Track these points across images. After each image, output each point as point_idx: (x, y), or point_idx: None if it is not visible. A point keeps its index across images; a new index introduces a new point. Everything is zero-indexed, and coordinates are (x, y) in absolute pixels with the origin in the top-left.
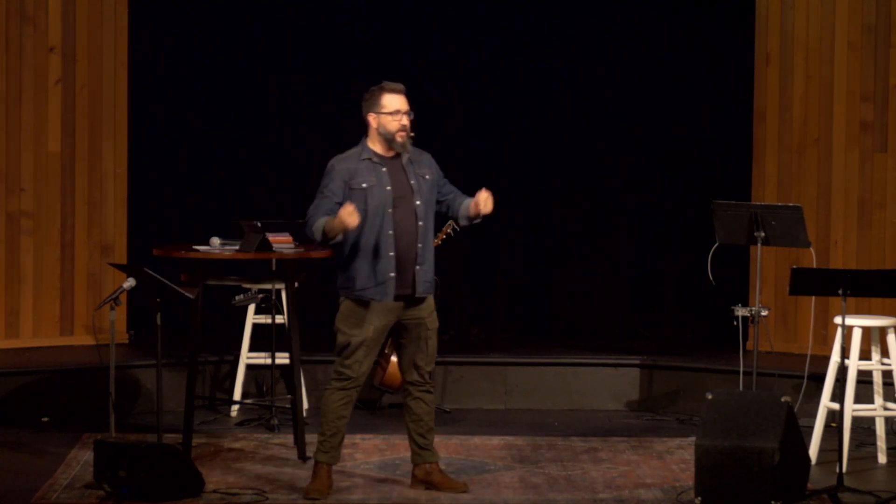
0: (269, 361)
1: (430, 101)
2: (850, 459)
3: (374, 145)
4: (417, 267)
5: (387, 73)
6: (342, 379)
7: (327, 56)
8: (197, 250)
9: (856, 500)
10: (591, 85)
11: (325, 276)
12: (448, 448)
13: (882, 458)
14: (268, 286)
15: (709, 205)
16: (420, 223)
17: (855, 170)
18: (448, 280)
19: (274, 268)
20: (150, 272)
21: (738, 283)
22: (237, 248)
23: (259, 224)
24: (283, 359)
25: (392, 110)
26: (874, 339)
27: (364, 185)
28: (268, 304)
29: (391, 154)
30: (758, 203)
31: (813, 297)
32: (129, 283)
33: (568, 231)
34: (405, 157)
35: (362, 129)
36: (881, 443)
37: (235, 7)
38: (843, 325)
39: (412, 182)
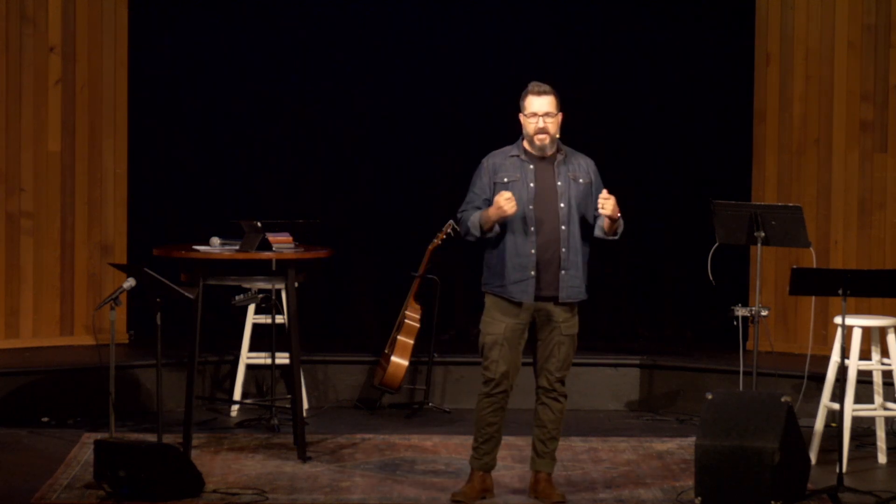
0: (269, 361)
1: (427, 101)
2: (850, 459)
3: (527, 144)
4: (563, 272)
5: (385, 73)
6: (484, 382)
7: (328, 56)
8: (197, 250)
9: (856, 500)
10: (590, 85)
11: (325, 276)
12: (448, 448)
13: (882, 458)
14: (267, 286)
15: (709, 205)
16: (563, 227)
17: (855, 170)
18: (448, 280)
19: (274, 268)
20: (150, 272)
21: (738, 283)
22: (237, 248)
23: (259, 224)
24: (283, 359)
25: (530, 112)
26: (874, 339)
27: (506, 180)
28: (268, 304)
29: (547, 154)
30: (758, 203)
31: (813, 297)
32: (129, 283)
33: None
34: (559, 158)
35: (363, 129)
36: (881, 443)
37: (235, 7)
38: (843, 325)
39: (559, 184)
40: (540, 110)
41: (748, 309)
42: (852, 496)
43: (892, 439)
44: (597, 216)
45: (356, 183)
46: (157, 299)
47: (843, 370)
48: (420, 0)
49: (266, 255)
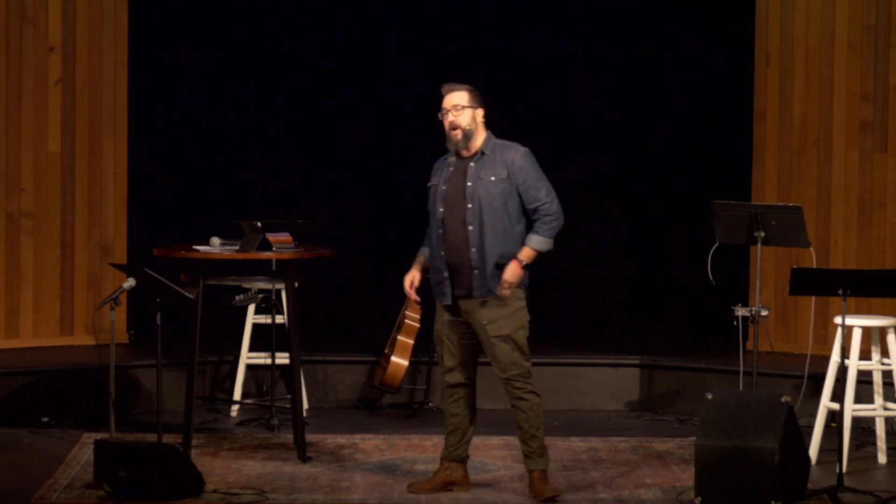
0: (269, 361)
1: (429, 102)
2: (850, 459)
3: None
4: (475, 272)
5: (385, 73)
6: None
7: (327, 55)
8: (197, 250)
9: (856, 500)
10: (590, 84)
11: (325, 276)
12: None
13: (882, 458)
14: (268, 286)
15: (709, 205)
16: (470, 227)
17: (855, 170)
18: None
19: (274, 268)
20: (150, 272)
21: (738, 283)
22: (237, 248)
23: (259, 224)
24: (283, 359)
25: (441, 109)
26: (874, 339)
27: (429, 185)
28: (268, 304)
29: (469, 153)
30: (758, 203)
31: (813, 297)
32: (129, 283)
33: (567, 231)
34: (478, 157)
35: (363, 129)
36: (881, 443)
37: (235, 7)
38: (843, 325)
39: (468, 184)
40: (448, 105)
41: (748, 309)
42: (852, 496)
43: (892, 439)
44: (534, 219)
45: (356, 183)
46: (157, 299)
47: (843, 370)
48: (421, 2)
49: (266, 255)
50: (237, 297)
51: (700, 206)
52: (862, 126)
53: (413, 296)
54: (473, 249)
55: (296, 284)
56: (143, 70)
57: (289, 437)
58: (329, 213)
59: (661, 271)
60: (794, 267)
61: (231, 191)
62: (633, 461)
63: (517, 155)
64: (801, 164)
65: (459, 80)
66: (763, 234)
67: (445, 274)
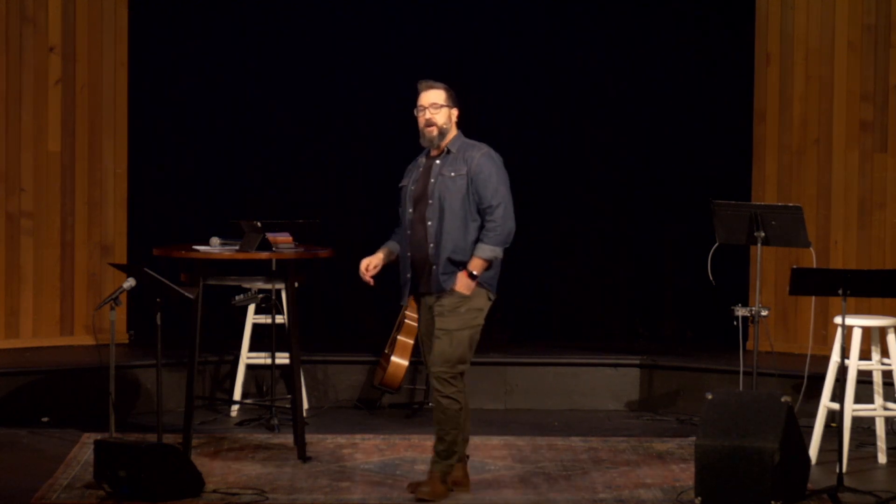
0: (269, 361)
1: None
2: (850, 459)
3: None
4: (434, 267)
5: (385, 72)
6: None
7: (327, 55)
8: (197, 250)
9: (856, 500)
10: (590, 84)
11: (325, 276)
12: None
13: (882, 458)
14: (268, 286)
15: (709, 205)
16: (429, 223)
17: (855, 170)
18: None
19: (274, 268)
20: (150, 272)
21: (738, 283)
22: (237, 248)
23: (259, 224)
24: (283, 359)
25: (418, 107)
26: (874, 339)
27: (400, 185)
28: (268, 304)
29: (437, 152)
30: (758, 203)
31: (813, 297)
32: (129, 283)
33: (567, 231)
34: (444, 154)
35: (363, 129)
36: (881, 443)
37: (235, 7)
38: (843, 325)
39: (431, 181)
40: (426, 102)
41: (748, 309)
42: (852, 496)
43: (892, 439)
44: (483, 223)
45: (356, 183)
46: (157, 299)
47: (843, 370)
48: (423, 3)
49: (266, 255)
50: (237, 297)
51: (700, 206)
52: (862, 126)
53: (367, 278)
54: (432, 245)
55: (296, 284)
56: (143, 70)
57: (289, 437)
58: (329, 213)
59: (661, 271)
60: (794, 267)
61: (231, 191)
62: (633, 461)
63: (479, 153)
64: (801, 164)
65: (461, 81)
66: (763, 234)
67: (408, 274)
